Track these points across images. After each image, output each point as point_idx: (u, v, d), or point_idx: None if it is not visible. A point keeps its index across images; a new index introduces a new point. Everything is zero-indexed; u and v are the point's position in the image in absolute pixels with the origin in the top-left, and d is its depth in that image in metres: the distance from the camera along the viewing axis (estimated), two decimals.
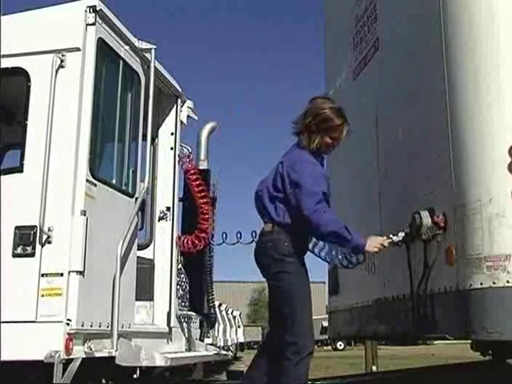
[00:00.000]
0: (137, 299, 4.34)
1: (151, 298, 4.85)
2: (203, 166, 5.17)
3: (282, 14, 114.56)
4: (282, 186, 3.60)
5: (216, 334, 16.93)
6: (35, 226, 3.63)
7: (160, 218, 5.08)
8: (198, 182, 4.81)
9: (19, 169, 3.85)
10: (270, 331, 3.78)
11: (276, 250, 3.53)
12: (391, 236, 3.88)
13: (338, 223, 3.50)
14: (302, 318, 3.46)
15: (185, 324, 4.88)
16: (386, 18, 4.88)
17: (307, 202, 3.46)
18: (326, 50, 6.65)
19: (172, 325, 4.75)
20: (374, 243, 3.58)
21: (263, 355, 3.74)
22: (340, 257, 4.29)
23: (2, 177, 3.84)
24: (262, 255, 3.62)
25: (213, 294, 5.08)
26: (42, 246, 3.64)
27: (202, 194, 4.82)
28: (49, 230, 3.65)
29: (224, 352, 5.82)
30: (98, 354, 3.67)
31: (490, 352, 5.67)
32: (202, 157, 5.18)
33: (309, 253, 3.88)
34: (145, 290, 4.70)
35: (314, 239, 3.91)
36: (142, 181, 4.32)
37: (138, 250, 4.46)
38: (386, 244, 3.67)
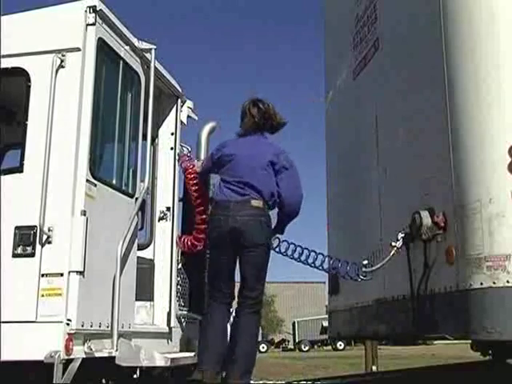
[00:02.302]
0: (137, 299, 4.34)
1: (151, 298, 4.84)
2: None
3: (282, 14, 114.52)
4: (273, 170, 4.23)
5: None
6: (35, 226, 3.62)
7: (160, 218, 5.08)
8: (195, 182, 4.80)
9: (19, 169, 3.85)
10: (224, 294, 4.20)
11: (268, 225, 4.20)
12: (392, 243, 3.90)
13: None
14: (264, 282, 4.27)
15: (185, 324, 4.88)
16: (386, 18, 4.88)
17: (300, 188, 4.36)
18: (326, 49, 6.65)
19: (172, 325, 4.75)
20: None
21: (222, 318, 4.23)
22: (345, 267, 4.38)
23: (2, 177, 3.83)
24: (253, 227, 4.11)
25: None
26: (42, 246, 3.64)
27: (200, 193, 4.80)
28: (49, 230, 3.65)
29: None
30: (97, 354, 3.67)
31: (490, 352, 5.67)
32: (202, 157, 5.17)
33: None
34: (145, 290, 4.70)
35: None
36: (142, 181, 4.32)
37: (138, 250, 4.46)
38: None
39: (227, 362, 4.03)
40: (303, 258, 4.59)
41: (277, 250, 4.61)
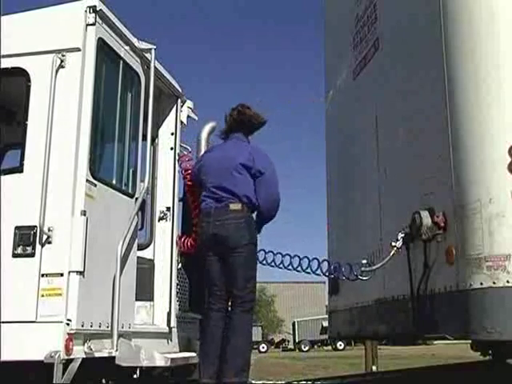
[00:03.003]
0: (137, 299, 4.34)
1: (151, 298, 4.84)
2: None
3: (282, 13, 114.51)
4: (249, 174, 4.29)
5: None
6: (35, 226, 3.62)
7: (160, 218, 5.08)
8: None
9: (19, 169, 3.85)
10: (219, 297, 4.30)
11: (249, 225, 4.25)
12: (392, 243, 3.90)
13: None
14: (255, 280, 4.32)
15: (185, 324, 4.88)
16: (386, 18, 4.88)
17: (276, 193, 4.42)
18: (326, 49, 6.65)
19: (172, 325, 4.75)
20: None
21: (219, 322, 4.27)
22: (343, 269, 4.39)
23: (2, 177, 3.83)
24: (234, 230, 4.20)
25: None
26: (42, 246, 3.63)
27: (199, 194, 4.80)
28: (49, 230, 3.65)
29: None
30: (97, 354, 3.67)
31: (490, 352, 5.67)
32: None
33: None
34: (145, 290, 4.70)
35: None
36: (142, 181, 4.32)
37: (138, 250, 4.46)
38: None
39: (221, 362, 4.07)
40: (295, 265, 4.61)
41: (264, 262, 4.67)
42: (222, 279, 4.27)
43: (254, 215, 4.37)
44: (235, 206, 4.22)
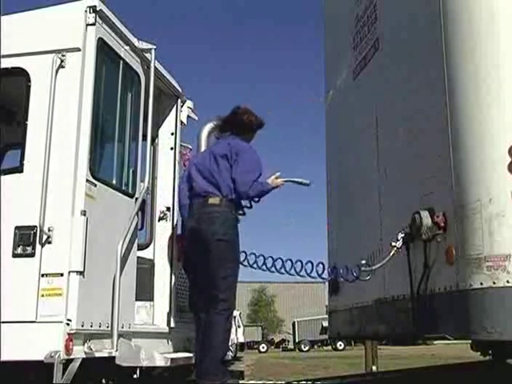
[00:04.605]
0: (137, 299, 4.34)
1: (151, 298, 4.84)
2: None
3: (282, 13, 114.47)
4: (227, 160, 4.29)
5: None
6: (35, 226, 3.63)
7: (160, 218, 5.08)
8: None
9: (19, 169, 3.85)
10: (197, 296, 4.29)
11: (224, 222, 4.19)
12: (392, 243, 3.90)
13: (258, 187, 4.33)
14: (232, 279, 4.17)
15: (185, 324, 4.88)
16: (386, 18, 4.87)
17: (251, 172, 4.29)
18: (326, 49, 6.64)
19: (172, 325, 4.75)
20: (274, 185, 4.44)
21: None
22: (342, 270, 4.38)
23: (2, 177, 3.83)
24: (208, 223, 4.18)
25: None
26: (42, 246, 3.64)
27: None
28: (49, 230, 3.65)
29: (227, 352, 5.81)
30: (97, 354, 3.67)
31: (490, 352, 5.67)
32: None
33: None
34: (145, 290, 4.70)
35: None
36: (142, 181, 4.32)
37: (138, 250, 4.46)
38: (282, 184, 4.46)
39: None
40: (287, 268, 4.59)
41: (254, 266, 4.64)
42: (201, 277, 4.27)
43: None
44: (214, 199, 4.25)
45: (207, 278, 4.18)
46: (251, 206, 4.55)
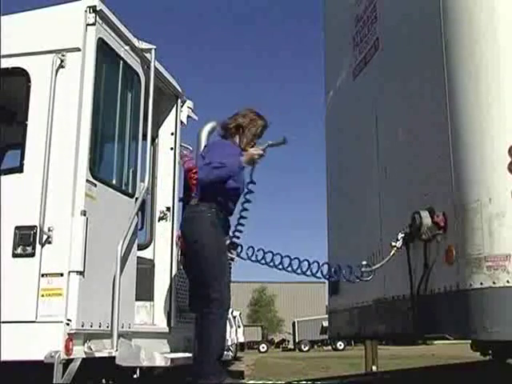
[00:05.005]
0: (137, 299, 4.34)
1: (151, 298, 4.84)
2: None
3: (282, 13, 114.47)
4: (204, 158, 4.26)
5: None
6: (35, 226, 3.63)
7: (160, 218, 5.08)
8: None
9: (19, 169, 3.85)
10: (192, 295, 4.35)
11: (199, 222, 4.17)
12: (392, 243, 3.89)
13: (216, 168, 4.12)
14: (221, 276, 4.09)
15: (185, 324, 4.88)
16: (386, 18, 4.87)
17: (215, 155, 4.19)
18: (326, 49, 6.64)
19: (172, 325, 4.75)
20: (248, 155, 4.25)
21: None
22: (344, 271, 4.37)
23: (2, 177, 3.84)
24: (188, 224, 4.24)
25: None
26: (42, 246, 3.64)
27: None
28: (49, 230, 3.65)
29: (224, 352, 5.81)
30: (98, 354, 3.67)
31: (490, 352, 5.67)
32: None
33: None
34: (145, 290, 4.70)
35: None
36: (142, 181, 4.32)
37: (138, 250, 4.46)
38: (259, 152, 4.28)
39: None
40: (295, 266, 4.56)
41: (262, 262, 4.62)
42: (191, 277, 4.38)
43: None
44: (194, 201, 4.30)
45: (195, 277, 4.26)
46: (252, 182, 4.49)
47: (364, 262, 4.35)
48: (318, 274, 4.51)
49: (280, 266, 4.58)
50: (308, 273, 4.48)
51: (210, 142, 4.66)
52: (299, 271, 4.48)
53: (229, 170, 4.14)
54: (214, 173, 4.10)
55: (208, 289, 4.06)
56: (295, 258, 4.53)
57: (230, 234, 4.55)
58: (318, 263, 4.54)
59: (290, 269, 4.51)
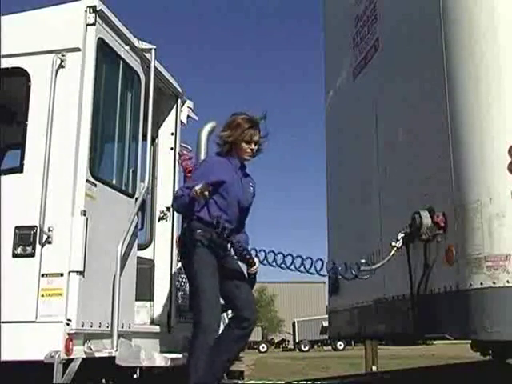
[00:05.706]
0: (137, 299, 4.35)
1: (151, 298, 4.84)
2: None
3: (282, 13, 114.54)
4: None
5: None
6: (35, 226, 3.63)
7: (160, 218, 5.09)
8: None
9: (19, 169, 3.85)
10: None
11: (186, 241, 3.93)
12: (392, 243, 3.89)
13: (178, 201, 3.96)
14: (201, 297, 3.76)
15: (185, 324, 4.88)
16: (386, 18, 4.87)
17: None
18: (326, 49, 6.64)
19: (172, 325, 4.75)
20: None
21: None
22: (340, 268, 4.35)
23: (2, 177, 3.84)
24: (180, 245, 4.12)
25: None
26: (42, 246, 3.64)
27: None
28: (49, 230, 3.65)
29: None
30: (97, 354, 3.68)
31: (490, 352, 5.66)
32: (202, 157, 5.17)
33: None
34: (145, 290, 4.70)
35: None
36: (142, 181, 4.32)
37: (138, 250, 4.46)
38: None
39: None
40: (297, 265, 4.54)
41: (264, 262, 4.58)
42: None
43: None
44: (190, 217, 4.05)
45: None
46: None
47: (363, 261, 4.35)
48: (322, 272, 4.50)
49: (283, 265, 4.56)
50: (312, 270, 4.47)
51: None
52: (302, 269, 4.48)
53: (179, 202, 3.92)
54: (174, 204, 4.24)
55: (192, 303, 4.00)
56: (298, 256, 4.53)
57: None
58: (322, 261, 4.54)
59: (293, 267, 4.51)
